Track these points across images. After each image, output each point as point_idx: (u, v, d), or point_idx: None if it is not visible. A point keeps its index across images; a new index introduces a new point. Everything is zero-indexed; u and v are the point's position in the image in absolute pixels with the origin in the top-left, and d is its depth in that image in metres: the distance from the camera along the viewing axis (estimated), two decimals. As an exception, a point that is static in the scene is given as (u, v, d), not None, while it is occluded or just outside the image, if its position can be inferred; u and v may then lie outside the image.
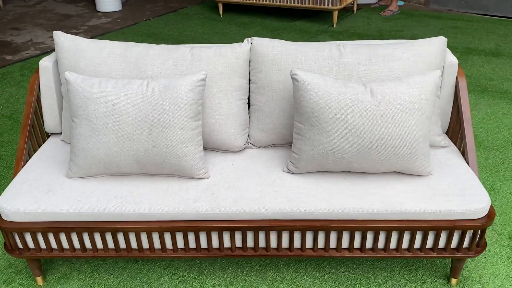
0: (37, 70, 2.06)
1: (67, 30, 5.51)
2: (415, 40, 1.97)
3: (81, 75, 1.84)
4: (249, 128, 2.01)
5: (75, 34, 5.37)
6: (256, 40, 1.96)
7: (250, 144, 2.01)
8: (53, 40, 5.15)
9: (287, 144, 2.02)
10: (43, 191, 1.75)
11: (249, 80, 2.01)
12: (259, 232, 1.71)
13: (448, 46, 4.54)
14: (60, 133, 2.15)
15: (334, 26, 5.24)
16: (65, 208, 1.68)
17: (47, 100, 2.07)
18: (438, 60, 1.93)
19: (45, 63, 2.03)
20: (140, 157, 1.73)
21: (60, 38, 1.97)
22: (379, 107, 1.65)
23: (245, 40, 1.99)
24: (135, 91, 1.72)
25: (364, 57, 1.89)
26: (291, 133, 1.96)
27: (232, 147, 1.95)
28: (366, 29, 5.11)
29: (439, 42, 1.94)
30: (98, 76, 1.92)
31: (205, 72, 1.78)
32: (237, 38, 5.05)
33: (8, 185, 1.87)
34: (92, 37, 5.22)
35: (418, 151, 1.70)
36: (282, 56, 1.91)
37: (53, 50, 4.86)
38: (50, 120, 2.10)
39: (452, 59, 1.99)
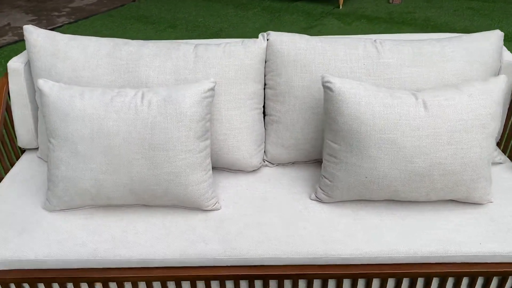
0: (5, 74, 1.68)
1: (48, 13, 5.06)
2: (466, 35, 1.63)
3: (58, 82, 1.47)
4: (265, 143, 1.66)
5: (57, 17, 4.93)
6: (274, 35, 1.60)
7: (266, 162, 1.67)
8: (33, 24, 4.71)
9: (311, 161, 1.68)
10: (16, 230, 1.41)
11: (265, 85, 1.65)
12: (285, 280, 1.39)
13: (466, 30, 4.19)
14: (36, 148, 1.79)
15: (340, 7, 4.85)
16: (44, 253, 1.34)
17: (19, 109, 1.70)
18: (494, 60, 1.59)
19: (15, 64, 1.65)
20: (135, 187, 1.39)
21: (32, 34, 1.59)
22: (435, 125, 1.32)
23: (260, 36, 1.63)
24: (127, 105, 1.36)
25: (407, 57, 1.55)
26: (317, 149, 1.62)
27: (246, 167, 1.61)
28: (375, 11, 4.73)
29: (496, 37, 1.60)
30: (79, 84, 1.55)
31: (213, 79, 1.42)
32: (235, 21, 4.65)
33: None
34: (76, 21, 4.78)
35: (481, 177, 1.38)
36: (306, 56, 1.55)
37: (33, 35, 4.42)
38: (23, 134, 1.73)
39: (510, 58, 1.66)
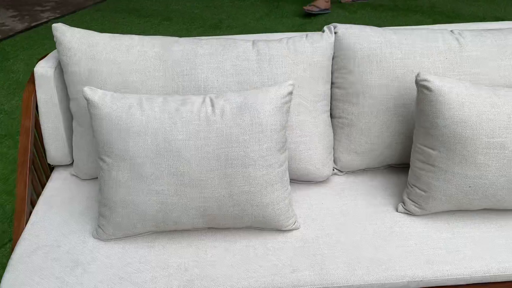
0: (30, 81, 1.45)
1: (30, 8, 4.70)
2: (548, 22, 1.49)
3: (106, 90, 1.25)
4: (334, 150, 1.49)
5: (41, 12, 4.59)
6: (342, 28, 1.42)
7: (335, 171, 1.50)
8: (15, 20, 4.37)
9: (383, 167, 1.52)
10: (68, 267, 1.19)
11: (331, 84, 1.48)
12: (387, 307, 1.23)
13: (474, 16, 4.10)
14: (69, 165, 1.57)
15: (341, -5, 4.68)
16: (106, 293, 1.14)
17: (50, 121, 1.47)
18: None
19: (43, 69, 1.42)
20: (209, 209, 1.20)
21: (65, 34, 1.36)
22: (548, 125, 1.18)
23: (325, 28, 1.45)
24: (196, 115, 1.17)
25: (492, 49, 1.40)
26: (394, 154, 1.46)
27: (317, 177, 1.43)
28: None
29: None
30: (127, 90, 1.34)
31: (292, 81, 1.23)
32: (233, 11, 4.43)
33: (8, 258, 1.29)
34: (62, 16, 4.46)
35: None
36: (382, 50, 1.38)
37: (18, 32, 4.10)
38: (55, 149, 1.50)
39: None
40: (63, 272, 1.18)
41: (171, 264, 1.20)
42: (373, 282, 1.17)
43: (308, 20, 4.17)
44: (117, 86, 1.34)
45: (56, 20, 4.38)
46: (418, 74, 1.23)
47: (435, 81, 1.20)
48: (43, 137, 1.49)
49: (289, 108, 1.24)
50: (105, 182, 1.21)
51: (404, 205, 1.34)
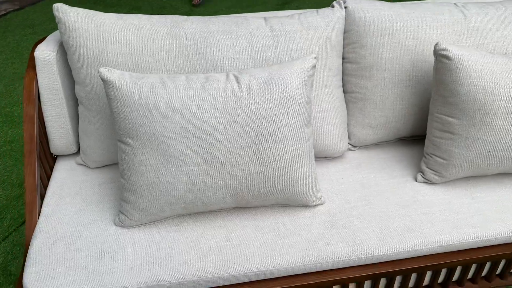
0: (30, 66, 1.36)
1: (-14, 0, 4.43)
2: (542, -6, 1.55)
3: (123, 71, 1.20)
4: (348, 124, 1.50)
5: (-2, 4, 4.33)
6: (352, 2, 1.42)
7: (349, 145, 1.51)
8: (-29, 14, 4.10)
9: (393, 140, 1.55)
10: (94, 256, 1.14)
11: (343, 60, 1.48)
12: (413, 274, 1.25)
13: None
14: (72, 154, 1.49)
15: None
16: (140, 280, 1.10)
17: (53, 108, 1.39)
18: None
19: (45, 53, 1.33)
20: (239, 188, 1.17)
21: (69, 14, 1.29)
22: (559, 88, 1.23)
23: (335, 4, 1.44)
24: (223, 91, 1.13)
25: (496, 20, 1.44)
26: (407, 126, 1.48)
27: (334, 152, 1.44)
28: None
29: None
30: (140, 71, 1.29)
31: (315, 55, 1.22)
32: (203, 0, 4.35)
33: (26, 251, 1.22)
34: (22, 8, 4.24)
35: None
36: (393, 24, 1.40)
37: (-23, 26, 3.85)
38: (58, 138, 1.42)
39: None
40: (89, 262, 1.12)
41: (203, 246, 1.17)
42: (406, 250, 1.19)
43: (281, 7, 4.16)
44: (129, 67, 1.28)
45: (16, 12, 4.16)
46: (437, 44, 1.25)
47: (454, 50, 1.23)
48: (46, 125, 1.41)
49: (313, 82, 1.23)
50: (129, 166, 1.15)
51: (424, 175, 1.36)
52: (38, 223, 1.24)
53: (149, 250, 1.16)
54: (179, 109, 1.11)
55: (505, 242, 1.24)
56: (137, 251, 1.15)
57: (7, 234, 1.83)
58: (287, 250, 1.16)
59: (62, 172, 1.42)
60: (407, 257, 1.21)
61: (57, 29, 3.59)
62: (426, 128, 1.50)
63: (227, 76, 1.18)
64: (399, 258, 1.20)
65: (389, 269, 1.19)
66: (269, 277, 1.15)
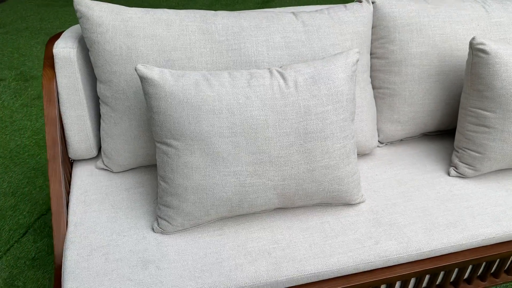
0: (48, 65, 1.26)
1: None
2: (553, -10, 1.60)
3: (162, 68, 1.13)
4: (377, 121, 1.49)
5: (-38, 2, 4.07)
6: (379, -2, 1.41)
7: (377, 142, 1.50)
8: None
9: (418, 136, 1.55)
10: (138, 266, 1.07)
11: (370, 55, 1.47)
12: (457, 269, 1.25)
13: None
14: (91, 159, 1.40)
15: (287, -20, 4.70)
16: (192, 286, 1.04)
17: (73, 110, 1.30)
18: None
19: (65, 51, 1.24)
20: (287, 188, 1.13)
21: (93, 9, 1.20)
22: None
23: (362, -1, 1.43)
24: (269, 88, 1.09)
25: (516, 15, 1.47)
26: (435, 121, 1.48)
27: (365, 149, 1.42)
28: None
29: None
30: (172, 68, 1.22)
31: (357, 49, 1.20)
32: (182, -1, 4.26)
33: (58, 265, 1.12)
34: (-11, 6, 4.00)
35: None
36: (420, 19, 1.40)
37: None
38: (78, 141, 1.33)
39: None
40: (134, 273, 1.05)
41: (251, 249, 1.12)
42: (452, 244, 1.18)
43: (263, 5, 4.13)
44: (160, 64, 1.22)
45: (-16, 10, 3.92)
46: (473, 38, 1.26)
47: (491, 44, 1.24)
48: (65, 128, 1.31)
49: (356, 77, 1.21)
50: (172, 169, 1.09)
51: (457, 169, 1.37)
52: (67, 233, 1.15)
53: (195, 256, 1.09)
54: (226, 107, 1.06)
55: (544, 233, 1.26)
56: (183, 258, 1.09)
57: (8, 247, 1.70)
58: (338, 250, 1.13)
59: (83, 178, 1.33)
60: (452, 251, 1.20)
61: (29, 28, 3.42)
62: (451, 122, 1.51)
63: (271, 72, 1.13)
64: (445, 253, 1.20)
65: (436, 264, 1.18)
66: (321, 279, 1.12)
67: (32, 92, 2.72)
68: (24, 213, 1.85)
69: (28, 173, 2.06)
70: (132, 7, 3.31)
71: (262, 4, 4.16)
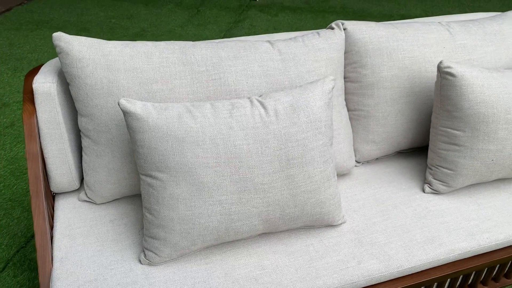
0: (28, 100, 1.27)
1: None
2: (510, 12, 1.70)
3: (145, 101, 1.15)
4: (353, 141, 1.54)
5: None
6: (350, 24, 1.47)
7: (355, 162, 1.55)
8: None
9: (392, 154, 1.61)
10: (127, 300, 1.07)
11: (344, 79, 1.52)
12: (439, 283, 1.30)
13: (382, 14, 4.48)
14: (73, 191, 1.40)
15: (257, 0, 4.80)
16: (178, 320, 1.05)
17: (54, 144, 1.30)
18: (539, 34, 1.69)
19: (45, 86, 1.25)
20: (271, 214, 1.16)
21: (73, 44, 1.22)
22: (547, 98, 1.35)
23: (334, 25, 1.49)
24: (251, 117, 1.13)
25: (478, 37, 1.56)
26: (408, 140, 1.55)
27: (344, 169, 1.47)
28: (292, 2, 4.78)
29: (535, 12, 1.71)
30: (154, 99, 1.24)
31: (333, 77, 1.25)
32: (152, 19, 4.29)
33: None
34: (-45, 31, 3.92)
35: None
36: (390, 44, 1.47)
37: None
38: (60, 175, 1.33)
39: (543, 31, 1.78)
40: (123, 307, 1.06)
41: (239, 277, 1.14)
42: (431, 260, 1.24)
43: (234, 25, 4.20)
44: (142, 96, 1.24)
45: (-50, 36, 3.84)
46: (441, 62, 1.33)
47: (457, 67, 1.31)
48: (46, 162, 1.31)
49: (332, 103, 1.25)
50: (158, 201, 1.10)
51: (431, 186, 1.43)
52: (53, 269, 1.14)
53: (184, 287, 1.11)
54: (210, 138, 1.09)
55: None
56: (171, 289, 1.10)
57: (-13, 282, 1.67)
58: (323, 272, 1.17)
59: (66, 211, 1.32)
60: (431, 267, 1.25)
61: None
62: (423, 140, 1.58)
63: (251, 101, 1.17)
64: (424, 269, 1.25)
65: (416, 280, 1.23)
66: (309, 302, 1.15)
67: (4, 120, 2.68)
68: (3, 246, 1.82)
69: (5, 205, 2.03)
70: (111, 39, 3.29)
71: (234, 23, 4.23)
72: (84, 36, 3.89)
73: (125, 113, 1.10)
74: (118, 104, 1.10)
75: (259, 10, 4.52)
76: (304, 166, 1.15)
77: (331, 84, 1.23)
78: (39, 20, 4.21)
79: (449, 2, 4.86)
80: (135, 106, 1.09)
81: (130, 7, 4.60)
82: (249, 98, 1.19)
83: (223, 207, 1.11)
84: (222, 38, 3.91)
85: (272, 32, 4.02)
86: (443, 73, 1.33)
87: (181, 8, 4.62)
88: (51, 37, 3.86)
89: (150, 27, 4.16)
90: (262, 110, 1.15)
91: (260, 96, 1.20)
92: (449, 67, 1.31)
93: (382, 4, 4.76)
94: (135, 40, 3.85)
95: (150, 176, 1.11)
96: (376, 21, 4.29)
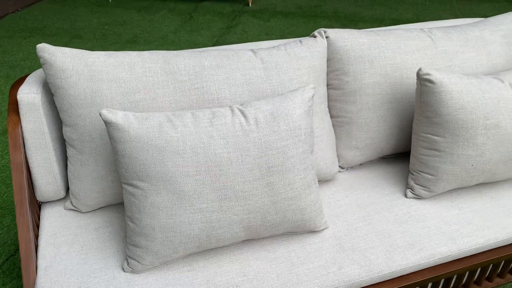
0: (12, 110, 1.28)
1: None
2: (491, 18, 1.73)
3: (126, 111, 1.17)
4: (336, 147, 1.56)
5: None
6: (332, 32, 1.50)
7: (338, 168, 1.57)
8: None
9: (376, 159, 1.63)
10: (109, 308, 1.08)
11: (327, 86, 1.54)
12: (420, 287, 1.32)
13: (374, 19, 4.52)
14: (59, 200, 1.41)
15: (250, 5, 4.82)
16: (160, 327, 1.06)
17: (39, 153, 1.31)
18: (520, 39, 1.72)
19: (29, 96, 1.27)
20: (252, 221, 1.18)
21: (55, 54, 1.23)
22: (526, 104, 1.37)
23: (316, 33, 1.51)
24: (231, 126, 1.15)
25: (459, 43, 1.58)
26: (391, 145, 1.57)
27: (327, 175, 1.49)
28: (285, 7, 4.82)
29: (515, 18, 1.73)
30: (136, 109, 1.26)
31: (313, 85, 1.27)
32: (145, 25, 4.31)
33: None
34: (-51, 40, 3.94)
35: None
36: (371, 51, 1.49)
37: None
38: (45, 184, 1.35)
39: (524, 37, 1.81)
40: (106, 314, 1.07)
41: (220, 283, 1.15)
42: (411, 265, 1.25)
43: (226, 31, 4.22)
44: (125, 106, 1.25)
45: None
46: (420, 69, 1.35)
47: (436, 74, 1.33)
48: (32, 171, 1.32)
49: (314, 109, 1.27)
50: (139, 210, 1.12)
51: (413, 191, 1.45)
52: (37, 278, 1.16)
53: (166, 294, 1.12)
54: (190, 147, 1.10)
55: (494, 247, 1.35)
56: (154, 296, 1.12)
57: (-24, 291, 1.68)
58: (304, 278, 1.18)
59: (52, 220, 1.34)
60: (412, 271, 1.27)
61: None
62: (406, 145, 1.60)
63: (232, 110, 1.19)
64: (405, 274, 1.27)
65: (396, 285, 1.25)
66: (289, 307, 1.16)
67: (-4, 128, 2.69)
68: (-8, 254, 1.83)
69: (-5, 213, 2.04)
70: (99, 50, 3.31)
71: (226, 29, 4.25)
72: (77, 42, 3.91)
73: (107, 123, 1.11)
74: (100, 115, 1.12)
75: (251, 16, 4.54)
76: (284, 173, 1.17)
77: (311, 92, 1.25)
78: (32, 27, 4.23)
79: (440, 6, 4.90)
80: (116, 116, 1.11)
81: (123, 14, 4.63)
82: (230, 106, 1.21)
83: (204, 215, 1.12)
84: (214, 43, 3.94)
85: (264, 37, 4.04)
86: (422, 80, 1.35)
87: (174, 14, 4.65)
88: (44, 44, 3.88)
89: (143, 33, 4.18)
90: (242, 119, 1.16)
91: (242, 104, 1.22)
92: (428, 74, 1.34)
93: (374, 8, 4.79)
94: (127, 47, 3.88)
95: (132, 185, 1.12)
96: (368, 25, 4.32)
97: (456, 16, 4.60)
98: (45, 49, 1.24)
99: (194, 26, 4.35)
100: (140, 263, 1.16)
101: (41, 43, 3.94)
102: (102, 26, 4.28)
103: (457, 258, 1.32)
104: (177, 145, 1.10)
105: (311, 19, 4.48)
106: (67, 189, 1.44)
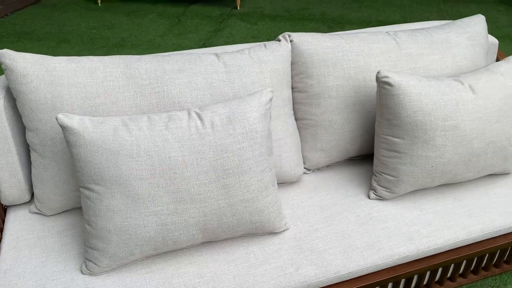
0: (-25, 114, 1.30)
1: None
2: (458, 21, 1.75)
3: (83, 116, 1.18)
4: (302, 149, 1.57)
5: None
6: (296, 36, 1.51)
7: (304, 169, 1.59)
8: None
9: (343, 161, 1.65)
10: (65, 310, 1.10)
11: (292, 89, 1.56)
12: (381, 287, 1.33)
13: (361, 21, 4.54)
14: (25, 203, 1.43)
15: (238, 8, 4.85)
16: (114, 328, 1.07)
17: (3, 158, 1.33)
18: (487, 42, 1.73)
19: (-9, 101, 1.28)
20: (209, 223, 1.19)
21: (16, 60, 1.25)
22: (485, 105, 1.39)
23: (281, 37, 1.53)
24: (187, 130, 1.16)
25: (424, 46, 1.60)
26: (356, 147, 1.58)
27: (292, 177, 1.50)
28: (273, 10, 4.84)
29: (483, 21, 1.75)
30: (96, 113, 1.28)
31: (271, 88, 1.29)
32: (133, 29, 4.33)
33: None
34: None
35: (519, 149, 1.50)
36: (335, 54, 1.50)
37: None
38: (9, 187, 1.36)
39: (492, 39, 1.83)
40: (61, 316, 1.08)
41: (176, 285, 1.17)
42: (369, 266, 1.27)
43: (214, 34, 4.24)
44: (85, 111, 1.27)
45: None
46: (378, 72, 1.37)
47: (394, 77, 1.35)
48: (-5, 175, 1.34)
49: (270, 114, 1.29)
50: (95, 213, 1.14)
51: (376, 192, 1.47)
52: (-4, 281, 1.17)
53: (122, 295, 1.14)
54: (145, 151, 1.12)
55: (453, 248, 1.36)
56: (110, 298, 1.13)
57: None
58: (260, 279, 1.20)
59: (16, 223, 1.35)
60: (370, 272, 1.28)
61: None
62: (371, 147, 1.61)
63: (189, 113, 1.20)
64: (363, 274, 1.28)
65: (354, 286, 1.26)
66: (245, 308, 1.18)
67: (-22, 132, 2.70)
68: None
69: (-28, 217, 2.05)
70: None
71: (213, 32, 4.27)
72: (64, 47, 3.94)
73: (63, 128, 1.13)
74: (56, 119, 1.14)
75: (239, 19, 4.57)
76: (240, 175, 1.19)
77: (269, 95, 1.26)
78: (20, 32, 4.25)
79: (427, 8, 4.92)
80: (72, 121, 1.13)
81: (112, 18, 4.65)
82: (188, 110, 1.22)
83: (159, 217, 1.14)
84: (201, 47, 3.96)
85: (251, 40, 4.06)
86: (381, 83, 1.37)
87: (162, 17, 4.67)
88: (31, 49, 3.90)
89: (130, 37, 4.20)
90: (198, 122, 1.18)
91: (200, 108, 1.24)
92: (386, 76, 1.35)
93: (361, 10, 4.81)
94: (114, 51, 3.90)
95: (87, 188, 1.14)
96: (354, 27, 4.34)
97: (443, 18, 4.62)
98: (7, 55, 1.26)
99: (182, 29, 4.37)
100: (97, 265, 1.17)
101: (29, 47, 3.96)
102: (90, 30, 4.30)
103: (416, 258, 1.33)
104: (131, 149, 1.12)
105: (298, 22, 4.51)
106: (32, 193, 1.46)
